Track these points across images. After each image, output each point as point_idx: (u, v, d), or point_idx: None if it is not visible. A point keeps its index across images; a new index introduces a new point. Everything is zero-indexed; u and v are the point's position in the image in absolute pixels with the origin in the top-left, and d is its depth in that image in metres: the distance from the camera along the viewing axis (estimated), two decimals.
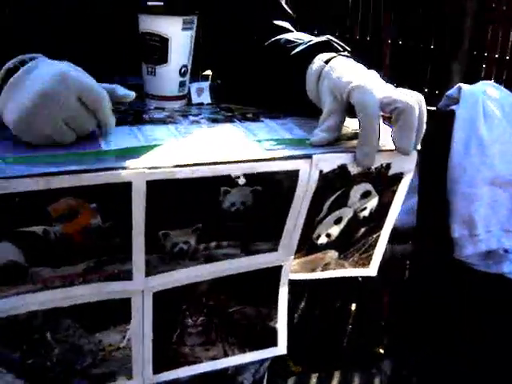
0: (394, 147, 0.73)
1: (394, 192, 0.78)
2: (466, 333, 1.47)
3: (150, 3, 0.81)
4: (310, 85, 0.78)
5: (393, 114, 0.70)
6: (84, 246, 0.64)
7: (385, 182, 0.76)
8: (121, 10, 0.83)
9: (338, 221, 0.78)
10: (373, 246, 0.83)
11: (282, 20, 0.94)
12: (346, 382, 1.92)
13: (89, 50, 0.75)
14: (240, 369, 0.86)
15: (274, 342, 0.83)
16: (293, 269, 0.80)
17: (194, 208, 0.67)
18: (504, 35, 3.15)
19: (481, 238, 1.41)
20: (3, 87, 0.65)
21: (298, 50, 0.83)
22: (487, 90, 1.51)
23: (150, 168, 0.62)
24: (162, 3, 0.81)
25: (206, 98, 0.87)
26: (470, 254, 1.42)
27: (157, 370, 0.76)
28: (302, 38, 0.86)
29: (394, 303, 1.77)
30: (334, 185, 0.73)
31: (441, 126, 1.35)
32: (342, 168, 0.72)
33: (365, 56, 0.89)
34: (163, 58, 0.80)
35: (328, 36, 0.84)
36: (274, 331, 0.83)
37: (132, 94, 0.71)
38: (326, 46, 0.81)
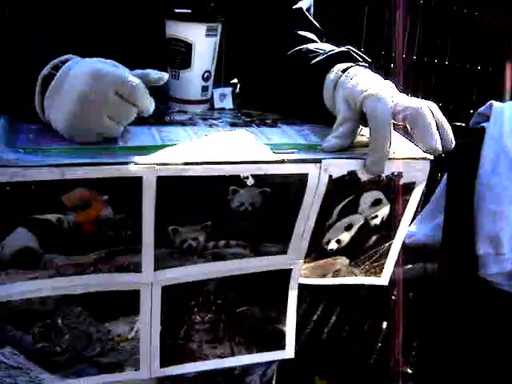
0: (406, 155, 0.74)
1: (407, 202, 0.78)
2: (484, 349, 1.44)
3: (177, 10, 0.84)
4: (327, 93, 0.80)
5: (406, 121, 0.70)
6: (96, 236, 0.67)
7: (396, 191, 0.76)
8: (143, 14, 0.86)
9: (348, 227, 0.78)
10: (384, 255, 0.83)
11: (308, 31, 0.96)
12: None
13: (104, 52, 0.77)
14: (247, 369, 0.87)
15: (281, 345, 0.84)
16: (303, 273, 0.81)
17: (204, 206, 0.69)
18: None
19: (506, 258, 1.38)
20: (44, 94, 0.69)
21: (318, 59, 0.85)
22: None
23: (160, 164, 0.65)
24: (190, 11, 0.84)
25: (228, 104, 0.89)
26: (495, 272, 1.39)
27: (164, 363, 0.78)
28: (323, 48, 0.88)
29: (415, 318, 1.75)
30: (343, 190, 0.74)
31: (470, 142, 1.34)
32: (352, 174, 0.72)
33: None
34: (187, 63, 0.83)
35: (348, 46, 0.85)
36: (282, 334, 0.84)
37: (165, 76, 0.71)
38: (345, 56, 0.83)
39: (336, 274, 0.83)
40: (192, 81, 0.84)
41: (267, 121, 0.85)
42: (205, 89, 0.86)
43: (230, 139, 0.75)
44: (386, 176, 0.74)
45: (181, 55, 0.83)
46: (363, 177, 0.73)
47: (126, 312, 0.74)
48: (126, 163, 0.64)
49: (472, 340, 1.46)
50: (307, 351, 2.02)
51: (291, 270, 0.80)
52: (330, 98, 0.79)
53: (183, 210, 0.69)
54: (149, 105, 0.71)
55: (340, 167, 0.72)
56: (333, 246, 0.79)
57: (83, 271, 0.69)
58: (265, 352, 0.84)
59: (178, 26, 0.82)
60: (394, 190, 0.76)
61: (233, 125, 0.81)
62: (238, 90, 1.01)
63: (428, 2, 2.70)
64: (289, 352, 0.85)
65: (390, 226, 0.81)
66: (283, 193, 0.71)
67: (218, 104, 0.88)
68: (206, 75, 0.85)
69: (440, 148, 0.69)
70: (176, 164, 0.65)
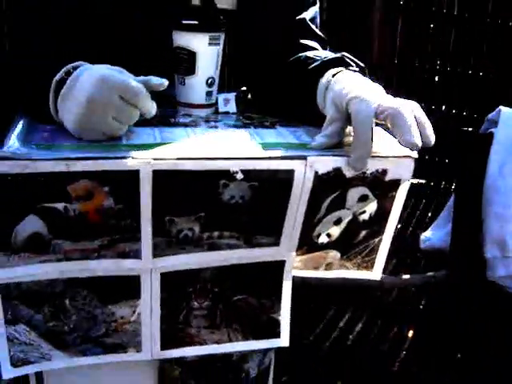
0: (389, 154, 0.79)
1: (393, 198, 0.83)
2: (494, 351, 1.44)
3: (184, 21, 0.91)
4: (319, 97, 0.85)
5: (386, 120, 0.75)
6: (99, 224, 0.74)
7: (382, 188, 0.81)
8: (143, 14, 0.90)
9: (337, 222, 0.83)
10: (375, 250, 0.88)
11: (310, 40, 1.02)
12: None
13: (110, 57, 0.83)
14: (244, 356, 0.92)
15: (276, 334, 0.89)
16: (296, 265, 0.86)
17: (197, 198, 0.76)
18: None
19: None
20: (57, 97, 0.77)
21: (313, 65, 0.90)
22: None
23: (155, 159, 0.71)
24: (195, 22, 0.91)
25: (231, 108, 0.95)
26: (503, 275, 1.39)
27: (164, 346, 0.84)
28: (320, 55, 0.93)
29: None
30: (330, 186, 0.79)
31: (478, 148, 1.36)
32: (337, 170, 0.77)
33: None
34: (191, 70, 0.90)
35: (343, 53, 0.91)
36: (277, 323, 0.89)
37: (165, 82, 0.77)
38: (339, 62, 0.88)
39: (328, 267, 0.88)
40: (196, 86, 0.91)
41: (266, 123, 0.90)
42: (209, 94, 0.93)
43: (225, 138, 0.81)
44: (371, 173, 0.79)
45: (186, 63, 0.90)
46: (348, 173, 0.78)
47: (128, 296, 0.80)
48: (125, 158, 0.71)
49: (482, 343, 1.47)
50: (331, 358, 2.06)
51: (284, 261, 0.85)
52: (322, 101, 0.84)
53: (178, 202, 0.75)
54: (151, 108, 0.77)
55: (325, 164, 0.77)
56: (323, 239, 0.84)
57: (88, 256, 0.76)
58: (260, 340, 0.89)
59: (183, 35, 0.89)
60: (380, 187, 0.81)
61: (232, 126, 0.88)
62: (249, 96, 1.07)
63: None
64: (283, 340, 0.90)
65: (378, 222, 0.85)
66: (271, 187, 0.77)
67: (222, 108, 0.95)
68: (209, 81, 0.92)
69: (419, 143, 0.73)
70: (170, 159, 0.72)
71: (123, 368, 0.86)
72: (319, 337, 2.11)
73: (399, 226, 2.90)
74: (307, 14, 1.04)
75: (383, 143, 0.80)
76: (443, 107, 2.69)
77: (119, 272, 0.78)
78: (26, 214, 0.71)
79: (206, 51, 0.89)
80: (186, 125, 0.87)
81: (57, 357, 0.81)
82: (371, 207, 0.83)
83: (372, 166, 0.78)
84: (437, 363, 1.81)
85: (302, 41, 1.00)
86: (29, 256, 0.74)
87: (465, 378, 1.56)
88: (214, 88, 0.93)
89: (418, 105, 0.77)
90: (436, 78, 2.73)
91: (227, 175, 0.74)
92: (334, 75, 0.84)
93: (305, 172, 0.76)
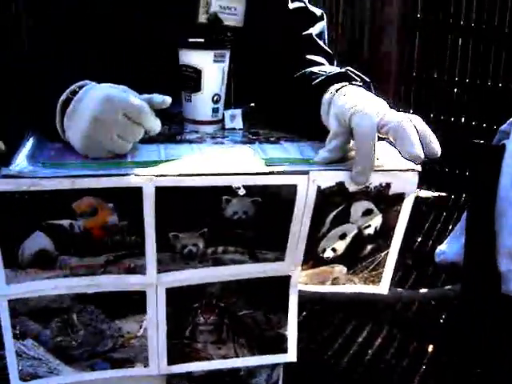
0: (392, 167, 0.79)
1: (398, 212, 0.82)
2: (509, 365, 1.41)
3: (191, 40, 0.93)
4: (323, 112, 0.85)
5: (389, 134, 0.75)
6: (104, 240, 0.75)
7: (386, 201, 0.81)
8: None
9: (342, 236, 0.83)
10: (382, 264, 0.87)
11: (317, 55, 1.02)
12: None
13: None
14: (252, 371, 0.92)
15: (283, 349, 0.89)
16: (302, 280, 0.86)
17: (200, 213, 0.76)
18: None
19: None
20: (64, 116, 0.78)
21: (317, 80, 0.91)
22: None
23: (157, 176, 0.72)
24: (202, 40, 0.93)
25: (238, 124, 0.96)
26: None
27: (171, 361, 0.85)
28: (325, 70, 0.94)
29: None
30: (333, 201, 0.79)
31: (490, 160, 1.34)
32: (340, 185, 0.78)
33: None
34: (197, 87, 0.91)
35: (348, 68, 0.91)
36: (284, 338, 0.88)
37: (168, 100, 0.78)
38: (343, 77, 0.88)
39: (335, 281, 0.88)
40: (202, 103, 0.92)
41: (271, 138, 0.91)
42: (215, 110, 0.94)
43: (228, 154, 0.82)
44: (375, 187, 0.79)
45: (192, 80, 0.91)
46: (351, 187, 0.78)
47: (134, 311, 0.81)
48: (128, 175, 0.72)
49: (497, 356, 1.44)
50: (349, 374, 2.04)
51: (290, 276, 0.85)
52: (326, 115, 0.85)
53: (181, 218, 0.76)
54: (155, 125, 0.79)
55: (328, 178, 0.77)
56: (329, 254, 0.84)
57: (95, 272, 0.77)
58: (267, 355, 0.89)
59: (188, 53, 0.90)
60: (384, 201, 0.81)
61: (237, 142, 0.88)
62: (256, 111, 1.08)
63: None
64: (291, 356, 0.90)
65: (384, 236, 0.85)
66: (274, 202, 0.77)
67: (228, 124, 0.96)
68: (215, 98, 0.93)
69: (421, 155, 0.72)
70: (171, 175, 0.73)
71: (131, 383, 0.87)
72: (337, 352, 2.09)
73: (419, 239, 2.89)
74: (314, 30, 1.05)
75: (386, 157, 0.80)
76: (462, 119, 2.67)
77: (125, 287, 0.79)
78: (33, 231, 0.73)
79: (212, 68, 0.91)
80: (191, 141, 0.88)
81: (65, 372, 0.82)
82: (376, 221, 0.83)
83: (375, 180, 0.78)
84: (456, 378, 1.79)
85: (309, 56, 1.01)
86: (36, 272, 0.75)
87: None
88: (220, 104, 0.94)
89: (420, 118, 0.77)
90: (455, 90, 2.72)
91: (229, 191, 0.75)
92: (337, 90, 0.84)
93: (307, 187, 0.77)
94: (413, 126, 0.74)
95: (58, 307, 0.78)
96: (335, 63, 1.07)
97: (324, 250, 0.84)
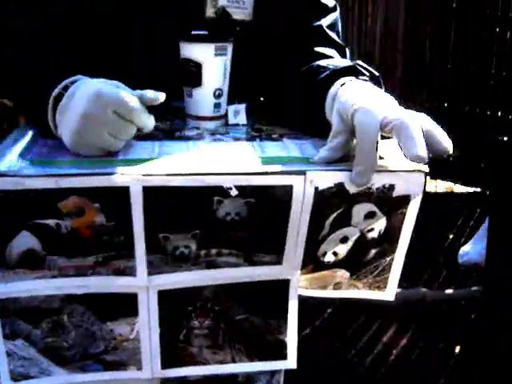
0: (396, 168, 0.74)
1: (404, 215, 0.77)
2: None
3: (194, 32, 0.90)
4: (327, 108, 0.81)
5: (392, 132, 0.70)
6: (92, 241, 0.73)
7: (390, 204, 0.76)
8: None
9: (344, 240, 0.79)
10: (387, 269, 0.82)
11: (327, 47, 0.98)
12: None
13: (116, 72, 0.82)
14: (251, 377, 0.89)
15: (283, 355, 0.85)
16: (302, 284, 0.82)
17: (191, 214, 0.73)
18: None
19: None
20: (56, 113, 0.76)
21: (323, 74, 0.86)
22: None
23: (145, 175, 0.70)
24: (204, 32, 0.89)
25: (242, 120, 0.93)
26: None
27: (165, 365, 0.82)
28: (333, 64, 0.89)
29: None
30: (332, 203, 0.75)
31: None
32: (340, 186, 0.73)
33: None
34: (198, 81, 0.88)
35: (357, 61, 0.86)
36: (284, 344, 0.85)
37: (160, 96, 0.75)
38: (350, 71, 0.84)
39: (337, 286, 0.84)
40: (204, 98, 0.89)
41: (274, 135, 0.87)
42: (217, 105, 0.90)
43: (224, 152, 0.78)
44: (377, 188, 0.74)
45: (192, 74, 0.88)
46: (351, 189, 0.73)
47: (126, 313, 0.79)
48: (114, 174, 0.69)
49: None
50: (374, 373, 1.99)
51: (289, 280, 0.81)
52: (330, 112, 0.80)
53: (172, 219, 0.73)
54: (147, 122, 0.76)
55: (326, 179, 0.73)
56: (330, 258, 0.80)
57: (84, 273, 0.75)
58: (266, 361, 0.85)
59: (188, 46, 0.87)
60: (388, 203, 0.76)
61: (237, 139, 0.85)
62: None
63: None
64: (291, 362, 0.86)
65: (389, 240, 0.80)
66: (269, 204, 0.73)
67: (231, 120, 0.92)
68: (217, 92, 0.89)
69: (425, 156, 0.67)
70: (159, 175, 0.70)
71: None
72: (361, 351, 2.04)
73: (451, 236, 2.80)
74: (325, 21, 1.00)
75: (392, 157, 0.75)
76: (499, 113, 2.57)
77: (115, 289, 0.77)
78: (19, 231, 0.71)
79: (213, 62, 0.87)
80: (189, 138, 0.85)
81: (57, 372, 0.80)
82: (380, 224, 0.78)
83: (378, 181, 0.74)
84: (481, 380, 1.71)
85: (318, 49, 0.96)
86: (24, 272, 0.74)
87: None
88: (223, 100, 0.91)
89: (427, 117, 0.72)
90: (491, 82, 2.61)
91: (221, 191, 0.72)
92: (342, 85, 0.80)
93: (304, 188, 0.72)
94: (418, 124, 0.69)
95: (48, 308, 0.77)
96: (348, 56, 1.02)
97: (324, 254, 0.80)
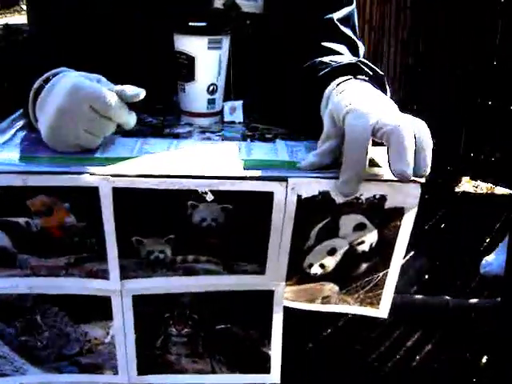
0: (388, 177, 0.68)
1: (397, 228, 0.71)
2: None
3: (191, 23, 0.85)
4: (322, 109, 0.75)
5: (383, 139, 0.64)
6: (63, 241, 0.70)
7: (382, 216, 0.70)
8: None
9: (331, 252, 0.73)
10: (380, 285, 0.76)
11: (338, 42, 0.91)
12: None
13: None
14: None
15: (266, 369, 0.81)
16: (288, 296, 0.77)
17: (164, 218, 0.69)
18: None
19: None
20: (35, 107, 0.74)
21: (322, 72, 0.80)
22: None
23: (115, 175, 0.66)
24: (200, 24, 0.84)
25: (238, 117, 0.88)
26: None
27: (142, 371, 0.79)
28: (336, 60, 0.83)
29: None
30: (317, 212, 0.69)
31: None
32: (325, 195, 0.68)
33: None
34: (191, 76, 0.84)
35: (361, 59, 0.80)
36: (267, 357, 0.80)
37: (141, 93, 0.72)
38: (351, 69, 0.77)
39: (326, 300, 0.78)
40: (197, 93, 0.85)
41: (268, 136, 0.82)
42: (211, 101, 0.86)
43: (205, 153, 0.74)
44: (367, 199, 0.68)
45: (185, 68, 0.83)
46: (338, 198, 0.68)
47: (100, 317, 0.76)
48: (83, 173, 0.66)
49: None
50: (393, 378, 1.92)
51: (273, 291, 0.76)
52: (324, 113, 0.74)
53: (144, 222, 0.69)
54: (128, 119, 0.72)
55: (310, 187, 0.67)
56: (316, 270, 0.75)
57: (57, 274, 0.72)
58: (248, 374, 0.81)
59: (181, 39, 0.82)
60: (379, 215, 0.70)
61: (227, 138, 0.80)
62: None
63: None
64: (274, 377, 0.81)
65: (382, 254, 0.74)
66: (248, 211, 0.69)
67: (227, 117, 0.88)
68: (211, 88, 0.85)
69: (409, 173, 0.61)
70: (129, 176, 0.66)
71: None
72: (383, 356, 1.97)
73: (488, 240, 2.66)
74: (337, 14, 0.93)
75: (385, 165, 0.69)
76: None
77: (88, 292, 0.74)
78: None
79: (206, 56, 0.82)
80: (177, 136, 0.80)
81: (31, 372, 0.78)
82: (371, 237, 0.72)
83: (367, 191, 0.68)
84: None
85: (326, 43, 0.90)
86: None
87: None
88: (217, 95, 0.86)
89: (424, 125, 0.65)
90: None
91: (196, 196, 0.67)
92: (338, 84, 0.74)
93: (286, 195, 0.67)
94: (411, 132, 0.63)
95: (21, 306, 0.75)
96: (361, 52, 0.95)
97: (311, 266, 0.74)
